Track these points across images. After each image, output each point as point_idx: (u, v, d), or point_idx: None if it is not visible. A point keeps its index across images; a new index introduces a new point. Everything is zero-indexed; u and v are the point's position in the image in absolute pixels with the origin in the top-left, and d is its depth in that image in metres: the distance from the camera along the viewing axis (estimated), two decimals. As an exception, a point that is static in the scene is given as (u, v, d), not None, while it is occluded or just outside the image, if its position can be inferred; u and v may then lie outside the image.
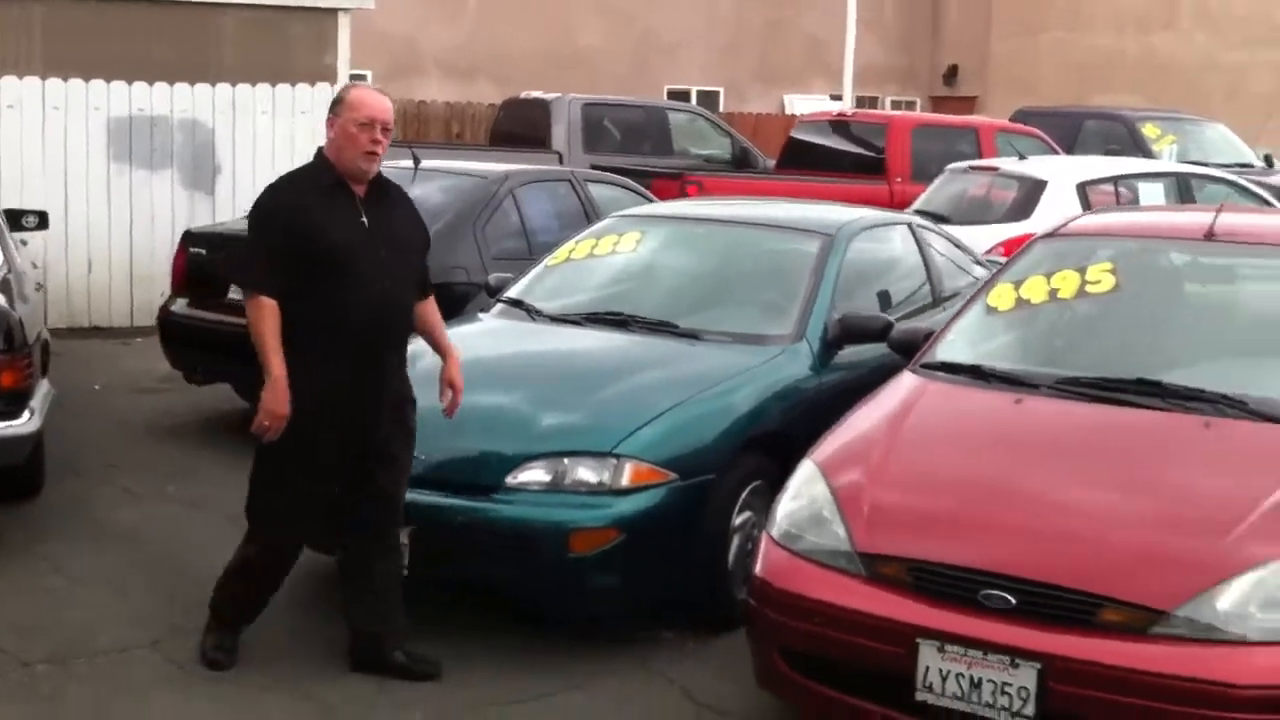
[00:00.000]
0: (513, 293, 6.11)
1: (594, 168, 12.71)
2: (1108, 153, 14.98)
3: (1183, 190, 10.58)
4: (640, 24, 23.30)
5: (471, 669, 4.43)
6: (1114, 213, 6.36)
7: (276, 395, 4.14)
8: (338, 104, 4.28)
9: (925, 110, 24.92)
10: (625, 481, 4.59)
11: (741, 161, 14.54)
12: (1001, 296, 4.87)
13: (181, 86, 10.95)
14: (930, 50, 26.41)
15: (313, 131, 11.58)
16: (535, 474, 4.61)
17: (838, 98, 21.21)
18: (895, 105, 25.32)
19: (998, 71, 24.80)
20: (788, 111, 22.76)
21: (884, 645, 3.59)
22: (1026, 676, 3.39)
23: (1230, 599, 3.37)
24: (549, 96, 14.40)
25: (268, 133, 11.33)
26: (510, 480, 4.61)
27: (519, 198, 7.83)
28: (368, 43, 21.16)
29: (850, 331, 5.48)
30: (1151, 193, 10.38)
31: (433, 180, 7.89)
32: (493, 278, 6.40)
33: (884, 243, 6.45)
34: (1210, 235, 4.78)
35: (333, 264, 4.18)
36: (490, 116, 16.96)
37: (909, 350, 4.82)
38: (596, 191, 8.35)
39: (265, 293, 4.17)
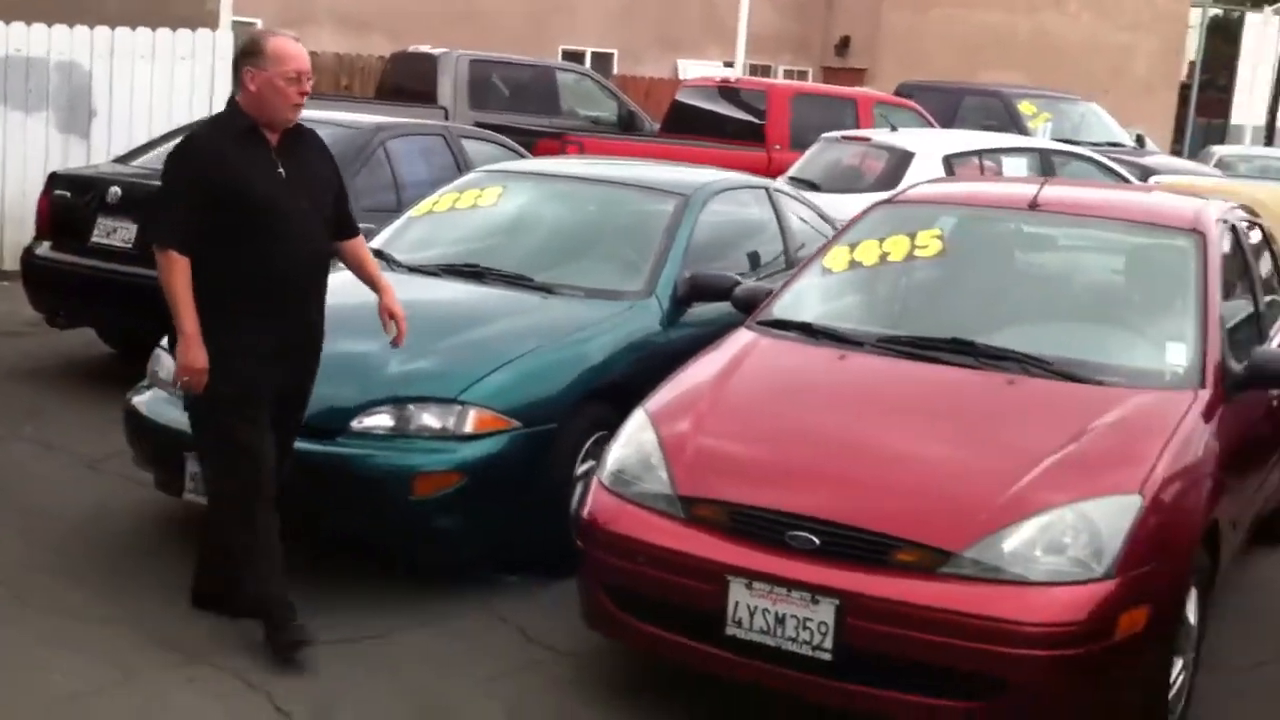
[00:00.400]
0: (374, 243, 6.18)
1: (479, 124, 12.78)
2: (984, 128, 15.39)
3: (1045, 166, 10.94)
4: (537, -17, 23.31)
5: (322, 608, 4.55)
6: (948, 183, 6.60)
7: (191, 351, 4.10)
8: (257, 56, 4.15)
9: (817, 80, 25.24)
10: (469, 428, 4.73)
11: (628, 124, 14.67)
12: (836, 258, 5.09)
13: (60, 28, 10.76)
14: (824, 21, 26.72)
15: (191, 77, 11.50)
16: (380, 419, 4.73)
17: (731, 64, 21.41)
18: (788, 74, 25.57)
19: (888, 45, 25.20)
20: (681, 76, 22.88)
21: (698, 583, 3.78)
22: (826, 612, 3.61)
23: (1015, 542, 3.61)
24: (436, 51, 14.40)
25: (146, 78, 11.16)
26: (355, 425, 4.72)
27: (390, 150, 7.89)
28: (261, -11, 20.86)
29: (699, 289, 5.66)
30: (1015, 167, 10.72)
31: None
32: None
33: (740, 205, 6.64)
34: (1034, 205, 5.06)
35: (256, 216, 4.13)
36: (380, 70, 16.88)
37: (751, 308, 5.01)
38: (471, 147, 8.43)
39: (177, 249, 4.08)
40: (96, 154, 10.78)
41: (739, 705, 4.08)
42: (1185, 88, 43.79)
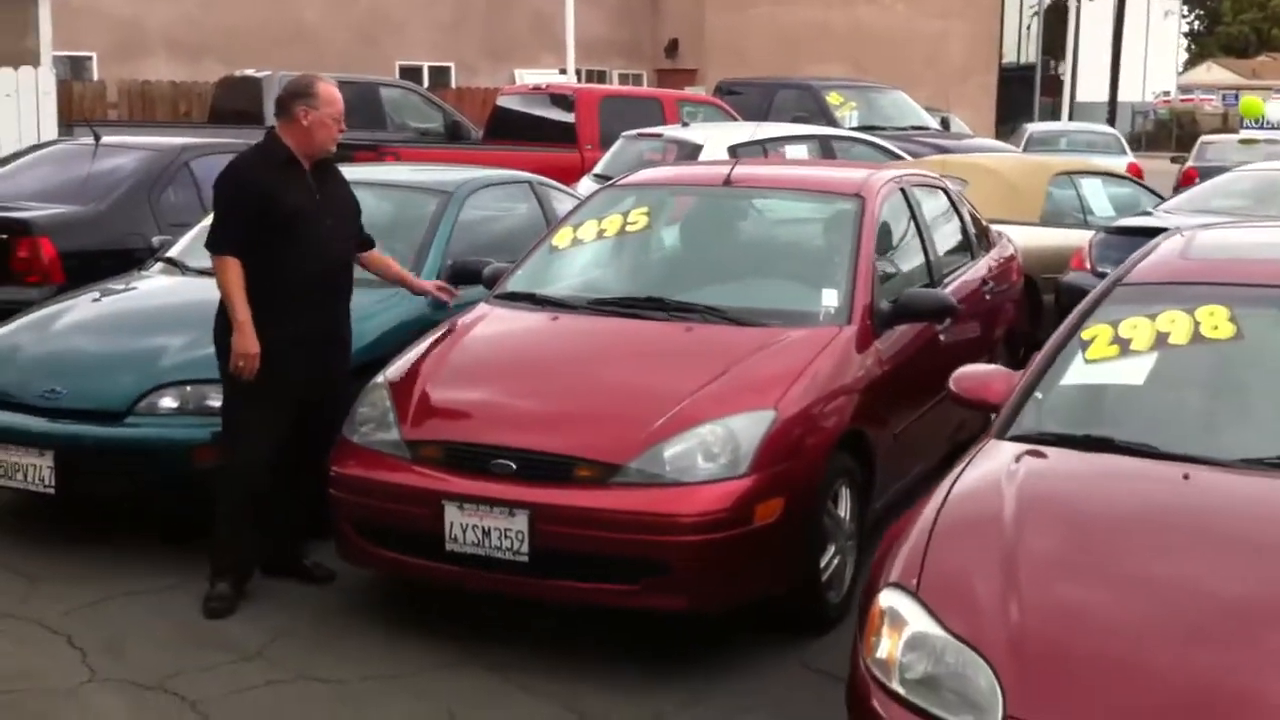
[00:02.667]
0: (170, 253, 6.86)
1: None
2: (795, 119, 16.36)
3: (825, 150, 11.91)
4: (363, 2, 23.89)
5: (130, 567, 5.22)
6: (664, 168, 7.47)
7: (245, 338, 4.84)
8: (312, 97, 4.96)
9: (651, 82, 26.18)
10: (241, 404, 5.46)
11: (453, 133, 15.36)
12: (563, 237, 5.91)
13: (-121, 71, 11.22)
14: (652, 25, 27.71)
15: (17, 112, 11.99)
16: (164, 399, 5.42)
17: (565, 71, 22.20)
18: (622, 79, 26.52)
19: (714, 45, 26.27)
20: (530, 85, 23.64)
21: (422, 509, 4.54)
22: (521, 522, 4.38)
23: (671, 452, 4.42)
24: (260, 74, 14.97)
25: (-27, 114, 11.66)
26: (142, 406, 5.40)
27: (194, 169, 8.51)
28: (92, 22, 21.24)
29: (459, 274, 6.39)
30: (796, 153, 11.65)
31: (113, 155, 8.53)
32: (155, 239, 7.15)
33: (505, 199, 7.42)
34: (728, 182, 5.92)
35: (289, 228, 4.88)
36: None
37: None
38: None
39: (229, 252, 4.88)
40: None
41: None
42: (1025, 69, 45.71)
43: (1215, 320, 3.91)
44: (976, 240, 7.13)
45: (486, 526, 4.44)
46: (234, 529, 4.97)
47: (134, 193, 8.12)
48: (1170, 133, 51.69)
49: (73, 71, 20.94)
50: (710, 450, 4.47)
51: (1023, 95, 49.76)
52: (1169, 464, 3.46)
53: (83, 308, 6.16)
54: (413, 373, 5.02)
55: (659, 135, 11.80)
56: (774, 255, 5.86)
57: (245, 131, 13.14)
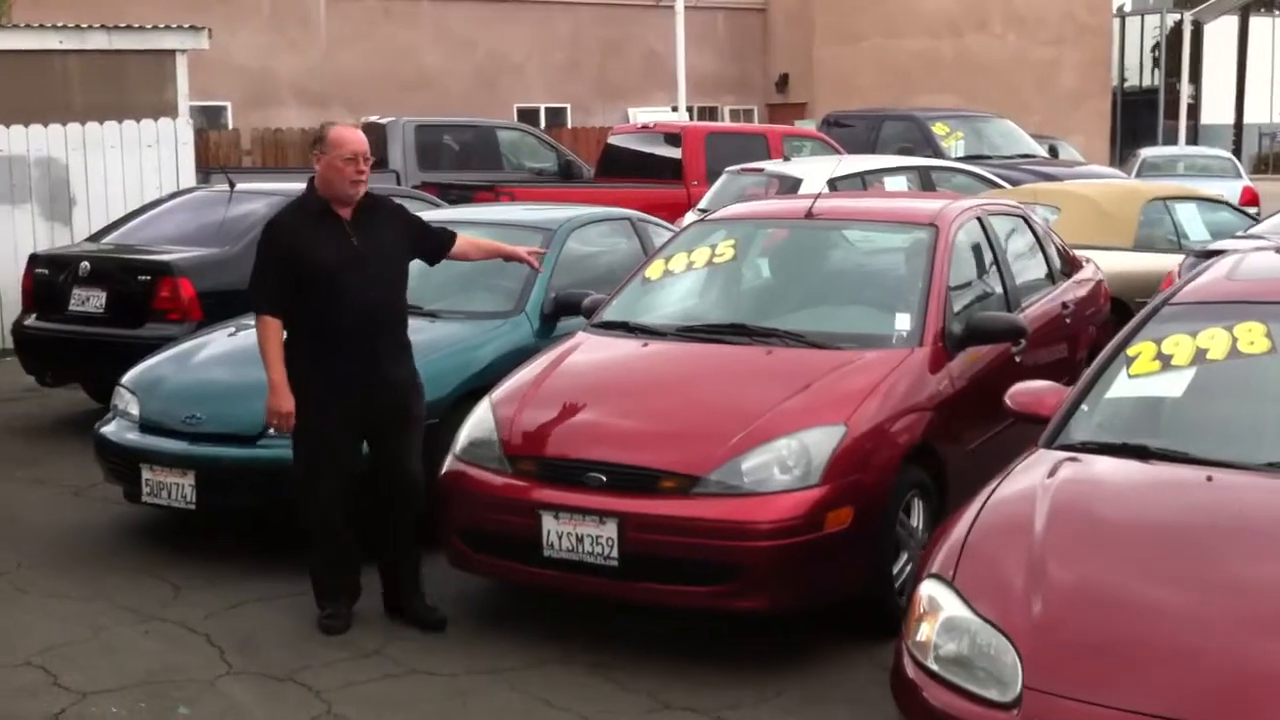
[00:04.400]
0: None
1: (427, 184, 14.11)
2: (900, 150, 16.64)
3: (924, 181, 12.19)
4: (482, 48, 24.72)
5: (240, 574, 5.76)
6: (751, 203, 7.85)
7: (277, 397, 5.00)
8: (321, 142, 5.01)
9: (762, 117, 26.60)
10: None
11: (566, 173, 15.93)
12: (655, 269, 6.33)
13: (36, 127, 12.03)
14: (762, 60, 28.16)
15: (158, 162, 12.79)
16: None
17: (677, 109, 22.73)
18: (733, 114, 26.98)
19: (823, 78, 26.59)
20: (639, 124, 24.26)
21: (521, 519, 4.97)
22: (611, 529, 4.79)
23: (749, 465, 4.80)
24: (384, 120, 15.70)
25: (117, 165, 12.42)
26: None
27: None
28: (225, 75, 22.35)
29: (562, 306, 6.85)
30: (895, 184, 11.96)
31: (247, 200, 9.18)
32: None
33: (607, 235, 7.88)
34: (810, 215, 6.30)
35: (322, 281, 4.93)
36: (341, 141, 18.19)
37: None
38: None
39: (267, 312, 5.00)
40: (79, 236, 12.02)
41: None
42: (1149, 92, 45.14)
43: (1252, 336, 4.18)
44: (1059, 266, 7.39)
45: (580, 534, 4.85)
46: (322, 560, 5.23)
47: (265, 236, 8.74)
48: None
49: (209, 120, 22.03)
50: (785, 463, 4.83)
51: (1147, 119, 49.30)
52: (1196, 468, 3.75)
53: (219, 342, 6.75)
54: (514, 395, 5.47)
55: (761, 170, 12.20)
56: (852, 283, 6.21)
57: (375, 174, 13.92)
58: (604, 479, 4.90)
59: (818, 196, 6.40)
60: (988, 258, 6.48)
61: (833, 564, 4.82)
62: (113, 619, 5.42)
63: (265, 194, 9.39)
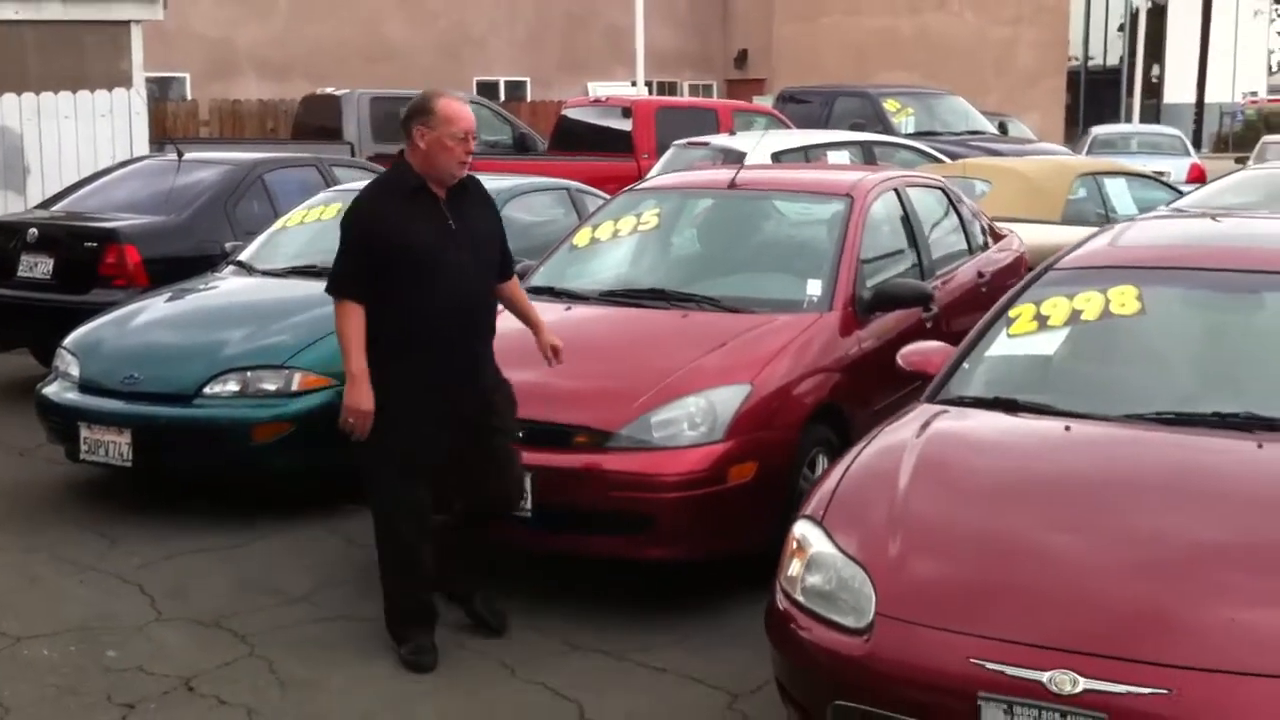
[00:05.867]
0: (240, 256, 7.64)
1: (381, 155, 14.23)
2: (852, 126, 16.87)
3: (867, 155, 12.43)
4: (444, 19, 24.79)
5: (182, 524, 5.97)
6: (678, 174, 8.07)
7: (357, 393, 4.41)
8: (427, 115, 4.44)
9: (722, 93, 26.80)
10: (296, 387, 6.16)
11: (520, 145, 16.09)
12: (582, 237, 6.55)
13: (-10, 96, 12.16)
14: (722, 36, 28.35)
15: (112, 132, 12.89)
16: (227, 385, 6.16)
17: (636, 83, 22.90)
18: (693, 89, 27.18)
19: (782, 54, 26.82)
20: (590, 98, 24.41)
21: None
22: (528, 482, 5.02)
23: (660, 419, 5.02)
24: (339, 92, 15.84)
25: (71, 135, 12.53)
26: (208, 390, 6.14)
27: (267, 181, 9.31)
28: (185, 46, 22.37)
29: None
30: (838, 158, 12.18)
31: (195, 170, 9.35)
32: (227, 245, 7.95)
33: (547, 205, 8.12)
34: (733, 185, 6.53)
35: (417, 266, 4.41)
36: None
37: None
38: (342, 173, 9.85)
39: (348, 296, 4.44)
40: (33, 205, 12.20)
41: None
42: (1111, 71, 45.48)
43: (1124, 299, 4.45)
44: (978, 237, 7.64)
45: (509, 485, 5.07)
46: (400, 587, 4.67)
47: (212, 204, 8.93)
48: (1259, 133, 51.11)
49: (167, 91, 22.07)
50: (693, 419, 5.07)
51: (1111, 97, 49.63)
52: (1057, 420, 4.01)
53: (158, 306, 6.95)
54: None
55: (707, 144, 12.40)
56: (770, 250, 6.44)
57: (324, 147, 14.05)
58: (521, 435, 5.12)
59: (740, 168, 6.62)
60: (903, 228, 6.73)
61: (738, 515, 5.06)
62: (51, 570, 5.62)
63: (213, 163, 9.57)
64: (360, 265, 4.46)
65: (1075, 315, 4.47)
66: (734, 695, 4.40)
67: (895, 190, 6.76)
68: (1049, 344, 4.45)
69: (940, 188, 7.46)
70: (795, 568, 3.63)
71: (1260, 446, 3.72)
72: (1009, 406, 4.18)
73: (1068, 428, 3.95)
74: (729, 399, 5.11)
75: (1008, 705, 3.03)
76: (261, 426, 6.08)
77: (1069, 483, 3.71)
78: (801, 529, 3.71)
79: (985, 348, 4.55)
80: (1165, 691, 2.95)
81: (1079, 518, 3.52)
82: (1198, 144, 34.62)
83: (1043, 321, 4.50)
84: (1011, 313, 4.62)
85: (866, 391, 5.81)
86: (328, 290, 4.58)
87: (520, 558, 5.40)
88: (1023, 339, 4.51)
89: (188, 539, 5.93)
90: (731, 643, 4.71)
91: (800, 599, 3.54)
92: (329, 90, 16.35)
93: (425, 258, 4.42)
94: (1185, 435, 3.86)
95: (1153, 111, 48.06)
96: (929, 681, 3.17)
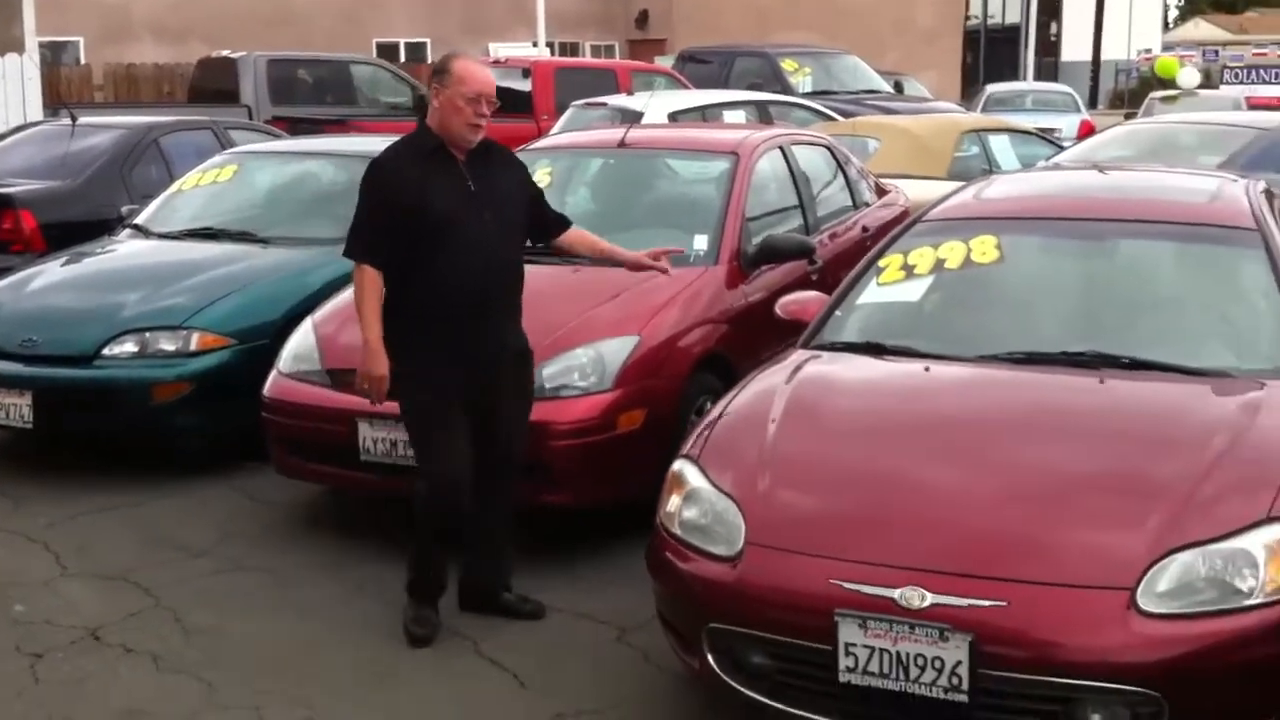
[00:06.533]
0: (137, 220, 7.69)
1: (279, 118, 14.21)
2: (750, 86, 17.13)
3: (762, 115, 12.68)
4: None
5: (92, 485, 6.06)
6: (570, 134, 8.25)
7: (373, 358, 4.36)
8: (443, 74, 4.39)
9: (624, 53, 26.90)
10: (194, 347, 6.27)
11: (421, 107, 16.10)
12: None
13: (-121, 63, 11.99)
14: (624, -4, 28.49)
15: (4, 98, 12.79)
16: (125, 346, 6.24)
17: (537, 44, 22.94)
18: (594, 50, 27.25)
19: (683, 15, 26.99)
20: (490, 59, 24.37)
21: (338, 426, 5.34)
22: (421, 434, 5.19)
23: (551, 371, 5.20)
24: (236, 55, 15.74)
25: (-38, 101, 12.44)
26: (106, 351, 6.22)
27: (163, 145, 9.32)
28: (79, 11, 22.00)
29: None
30: (734, 118, 12.42)
31: (90, 135, 9.34)
32: (124, 209, 7.98)
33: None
34: (623, 144, 6.71)
35: (437, 230, 4.31)
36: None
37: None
38: (238, 136, 9.88)
39: (366, 260, 4.36)
40: (-78, 173, 12.04)
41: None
42: (1010, 29, 46.11)
43: (984, 248, 4.72)
44: (863, 193, 7.91)
45: (394, 438, 5.23)
46: (427, 553, 4.59)
47: (108, 168, 8.94)
48: (1152, 89, 52.24)
49: (61, 56, 21.70)
50: (583, 370, 5.27)
51: (1010, 55, 50.40)
52: (919, 361, 4.27)
53: (55, 269, 7.00)
54: (335, 315, 5.82)
55: (605, 104, 12.56)
56: (658, 207, 6.65)
57: (220, 110, 13.98)
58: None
59: (630, 127, 6.81)
60: (789, 185, 6.97)
61: (627, 462, 5.27)
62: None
63: (108, 128, 9.56)
64: (377, 228, 4.38)
65: (939, 264, 4.73)
66: (623, 629, 4.62)
67: (780, 148, 6.99)
68: (915, 291, 4.71)
69: (826, 146, 7.71)
70: (673, 503, 3.85)
71: (1102, 382, 4.01)
72: (876, 350, 4.44)
73: (927, 368, 4.21)
74: (617, 350, 5.31)
75: (862, 620, 3.28)
76: (161, 386, 6.18)
77: (926, 419, 3.97)
78: (679, 467, 3.94)
79: (856, 296, 4.80)
80: (1003, 603, 3.22)
81: (934, 450, 3.79)
82: (1094, 101, 35.47)
83: (909, 271, 4.76)
84: (881, 263, 4.88)
85: (752, 341, 6.03)
86: (346, 253, 4.50)
87: (409, 506, 5.54)
88: (891, 287, 4.77)
89: (92, 498, 6.02)
90: (620, 581, 4.92)
91: (677, 532, 3.76)
92: (225, 53, 16.25)
93: (443, 220, 4.33)
94: (1035, 374, 4.14)
95: (1051, 69, 48.83)
96: (792, 602, 3.41)
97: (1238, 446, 3.60)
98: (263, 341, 6.40)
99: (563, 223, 4.89)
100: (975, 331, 4.48)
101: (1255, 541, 3.28)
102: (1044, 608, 3.22)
